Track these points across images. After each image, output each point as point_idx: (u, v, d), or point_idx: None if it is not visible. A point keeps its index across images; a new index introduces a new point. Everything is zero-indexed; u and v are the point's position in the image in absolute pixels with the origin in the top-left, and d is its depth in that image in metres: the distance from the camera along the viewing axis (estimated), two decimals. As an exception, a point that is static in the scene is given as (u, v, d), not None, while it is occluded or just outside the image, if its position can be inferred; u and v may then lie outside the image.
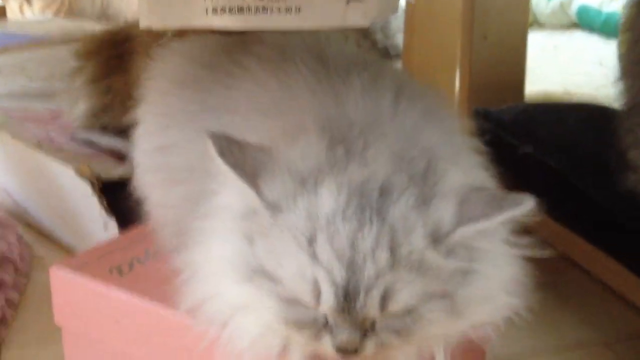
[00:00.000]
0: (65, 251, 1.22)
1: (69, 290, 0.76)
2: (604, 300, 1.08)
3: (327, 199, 0.54)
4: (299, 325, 0.56)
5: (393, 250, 0.53)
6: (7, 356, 0.97)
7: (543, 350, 0.97)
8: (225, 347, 0.61)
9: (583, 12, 2.43)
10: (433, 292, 0.55)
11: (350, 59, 0.73)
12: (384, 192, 0.55)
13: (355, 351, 0.55)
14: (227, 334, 0.60)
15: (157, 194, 0.75)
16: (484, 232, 0.56)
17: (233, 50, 0.77)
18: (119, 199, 1.03)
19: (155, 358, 0.71)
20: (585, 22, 2.44)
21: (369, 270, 0.52)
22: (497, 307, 0.59)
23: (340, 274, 0.53)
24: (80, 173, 1.01)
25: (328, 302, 0.53)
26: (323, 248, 0.53)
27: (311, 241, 0.54)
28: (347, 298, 0.53)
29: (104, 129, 1.29)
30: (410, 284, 0.53)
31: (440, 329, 0.57)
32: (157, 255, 0.80)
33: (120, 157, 1.15)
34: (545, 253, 0.59)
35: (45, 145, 1.14)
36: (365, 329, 0.55)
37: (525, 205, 0.55)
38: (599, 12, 2.39)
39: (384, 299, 0.53)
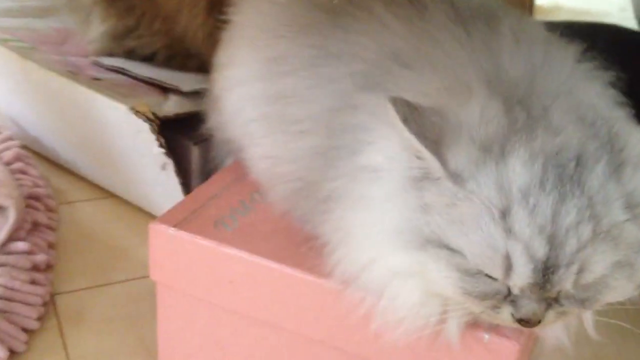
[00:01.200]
0: (87, 185, 1.16)
1: (172, 248, 0.71)
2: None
3: (521, 169, 0.51)
4: (479, 295, 0.54)
5: (595, 223, 0.51)
6: (61, 303, 0.92)
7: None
8: (382, 315, 0.58)
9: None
10: (621, 261, 0.53)
11: (481, 3, 0.68)
12: (580, 161, 0.52)
13: (538, 322, 0.54)
14: (385, 301, 0.58)
15: (266, 145, 0.70)
16: None
17: None
18: (173, 138, 0.98)
19: (287, 323, 0.68)
20: None
21: (571, 245, 0.50)
22: None
23: (541, 249, 0.50)
24: (136, 111, 0.93)
25: (523, 276, 0.51)
26: (521, 221, 0.50)
27: (505, 214, 0.51)
28: (546, 273, 0.51)
29: (129, 53, 1.19)
30: (606, 255, 0.52)
31: (618, 296, 0.56)
32: (255, 206, 0.75)
33: (162, 89, 1.08)
34: None
35: (81, 76, 1.05)
36: (550, 300, 0.53)
37: None
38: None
39: (580, 273, 0.51)
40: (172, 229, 0.71)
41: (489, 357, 0.59)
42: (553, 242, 0.50)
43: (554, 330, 0.60)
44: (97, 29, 1.20)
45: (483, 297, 0.53)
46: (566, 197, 0.51)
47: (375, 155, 0.57)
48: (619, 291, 0.55)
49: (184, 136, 1.00)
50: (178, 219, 0.72)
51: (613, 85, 0.64)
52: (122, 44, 1.19)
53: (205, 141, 0.97)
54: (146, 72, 1.11)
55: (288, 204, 0.69)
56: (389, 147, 0.56)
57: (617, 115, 0.59)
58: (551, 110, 0.55)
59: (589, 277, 0.52)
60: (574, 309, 0.54)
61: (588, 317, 0.60)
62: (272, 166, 0.70)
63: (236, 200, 0.77)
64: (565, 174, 0.51)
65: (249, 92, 0.72)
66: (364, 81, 0.63)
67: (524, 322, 0.53)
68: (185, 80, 1.08)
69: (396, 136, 0.55)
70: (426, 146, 0.52)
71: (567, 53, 0.63)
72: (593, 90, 0.61)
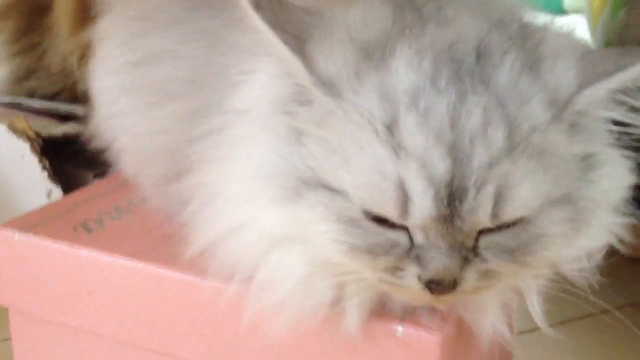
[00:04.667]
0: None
1: (21, 258, 0.57)
2: None
3: (406, 69, 0.39)
4: (371, 252, 0.40)
5: (509, 127, 0.38)
6: None
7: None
8: (256, 300, 0.44)
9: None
10: (556, 193, 0.40)
11: None
12: (482, 55, 0.40)
13: (454, 285, 0.39)
14: (260, 280, 0.44)
15: (138, 121, 0.57)
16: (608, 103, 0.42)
17: None
18: (63, 162, 0.85)
19: (148, 335, 0.53)
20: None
21: (480, 157, 0.37)
22: (608, 226, 0.45)
23: (442, 165, 0.37)
24: (15, 129, 0.80)
25: (424, 208, 0.38)
26: (412, 131, 0.38)
27: (392, 127, 0.38)
28: (451, 200, 0.37)
29: (31, 96, 1.09)
30: (532, 175, 0.38)
31: (559, 251, 0.42)
32: (134, 210, 0.62)
33: (60, 118, 0.96)
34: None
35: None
36: (467, 252, 0.39)
37: None
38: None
39: (499, 199, 0.38)
40: (19, 234, 0.57)
41: (404, 354, 0.45)
42: (456, 153, 0.37)
43: (487, 315, 0.45)
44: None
45: (377, 253, 0.40)
46: (467, 95, 0.38)
47: (246, 94, 0.45)
48: (560, 242, 0.41)
49: (82, 168, 0.87)
50: (29, 224, 0.58)
51: None
52: (24, 86, 1.10)
53: (106, 172, 0.84)
54: (47, 105, 0.99)
55: (159, 193, 0.56)
56: (261, 79, 0.44)
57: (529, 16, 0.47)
58: (447, 8, 0.43)
59: (513, 209, 0.38)
60: (501, 267, 0.40)
61: (532, 295, 0.46)
62: (139, 149, 0.57)
63: (111, 205, 0.63)
64: (463, 70, 0.39)
65: (114, 63, 0.60)
66: (239, 24, 0.51)
67: (434, 285, 0.39)
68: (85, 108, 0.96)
69: (270, 63, 0.42)
70: (283, 40, 0.39)
71: None
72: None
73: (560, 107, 0.40)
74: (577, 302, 0.46)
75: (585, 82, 0.40)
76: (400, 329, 0.45)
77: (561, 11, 1.91)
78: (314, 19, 0.41)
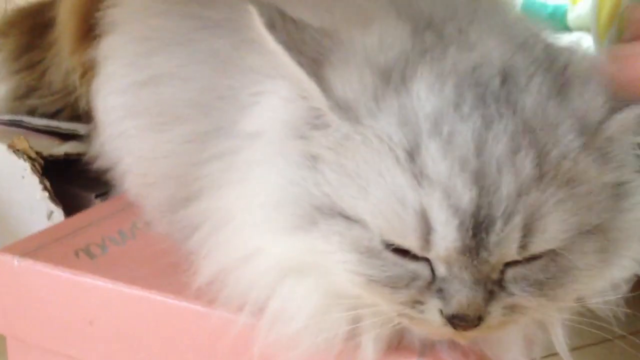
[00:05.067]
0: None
1: (20, 283, 0.55)
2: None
3: (427, 93, 0.37)
4: (390, 284, 0.37)
5: (538, 154, 0.36)
6: None
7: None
8: (268, 332, 0.42)
9: (528, 5, 2.36)
10: (586, 223, 0.38)
11: None
12: (508, 78, 0.38)
13: (479, 320, 0.37)
14: (271, 311, 0.42)
15: (143, 143, 0.55)
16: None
17: None
18: (64, 182, 0.83)
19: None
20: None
21: (508, 185, 0.35)
22: (637, 256, 0.43)
23: (467, 194, 0.35)
24: (15, 148, 0.78)
25: (447, 238, 0.35)
26: (434, 158, 0.36)
27: (413, 153, 0.36)
28: (477, 231, 0.35)
29: (32, 113, 1.07)
30: (562, 205, 0.36)
31: (588, 283, 0.40)
32: (138, 234, 0.60)
33: (62, 137, 0.94)
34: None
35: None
36: (492, 285, 0.37)
37: None
38: (544, 5, 2.32)
39: (528, 231, 0.36)
40: (18, 258, 0.55)
41: (422, 390, 0.42)
42: (482, 182, 0.35)
43: (510, 350, 0.43)
44: (-1, 90, 1.10)
45: (397, 285, 0.37)
46: (492, 120, 0.36)
47: (257, 117, 0.43)
48: (590, 276, 0.39)
49: (84, 188, 0.85)
50: (29, 248, 0.56)
51: None
52: (25, 104, 1.08)
53: (108, 193, 0.82)
54: (48, 123, 0.97)
55: (164, 219, 0.53)
56: (274, 101, 0.42)
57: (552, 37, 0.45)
58: (469, 30, 0.41)
59: (542, 240, 0.36)
60: (528, 301, 0.38)
61: (557, 328, 0.43)
62: (143, 172, 0.55)
63: (114, 229, 0.61)
64: (488, 93, 0.37)
65: (119, 83, 0.58)
66: (251, 45, 0.49)
67: (458, 320, 0.37)
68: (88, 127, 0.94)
69: (283, 86, 0.41)
70: (298, 62, 0.37)
71: None
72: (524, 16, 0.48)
73: (590, 134, 0.38)
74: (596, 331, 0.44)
75: (614, 107, 0.38)
76: (419, 362, 0.43)
77: (565, 28, 1.89)
78: (330, 41, 0.40)
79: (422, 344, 0.43)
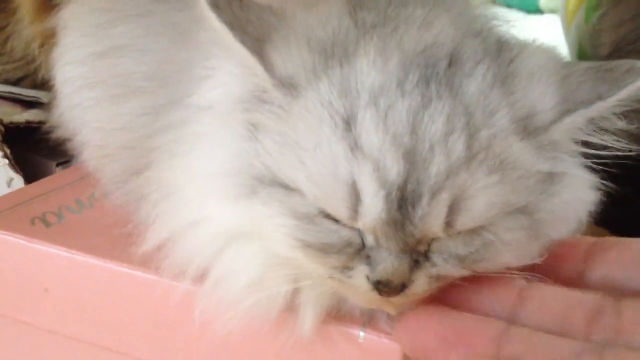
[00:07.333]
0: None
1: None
2: None
3: (370, 67, 0.39)
4: (323, 249, 0.39)
5: (471, 137, 0.38)
6: None
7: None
8: (207, 297, 0.43)
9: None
10: (514, 203, 0.40)
11: None
12: (454, 61, 0.40)
13: (402, 287, 0.39)
14: (213, 276, 0.43)
15: (100, 115, 0.56)
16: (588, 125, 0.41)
17: None
18: (25, 150, 0.83)
19: (104, 334, 0.52)
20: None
21: (438, 165, 0.37)
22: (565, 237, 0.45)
23: (395, 167, 0.37)
24: (-26, 114, 0.78)
25: (373, 210, 0.37)
26: (368, 129, 0.37)
27: (349, 122, 0.37)
28: (403, 204, 0.37)
29: (-9, 81, 1.06)
30: (490, 188, 0.38)
31: (512, 257, 0.42)
32: (95, 204, 0.60)
33: (24, 104, 0.93)
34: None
35: None
36: (417, 255, 0.39)
37: None
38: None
39: (454, 209, 0.38)
40: (-26, 226, 0.55)
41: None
42: (413, 158, 0.37)
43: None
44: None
45: (329, 251, 0.39)
46: (431, 100, 0.37)
47: (208, 90, 0.44)
48: (514, 251, 0.41)
49: (46, 156, 0.85)
50: (-16, 215, 0.57)
51: None
52: None
53: (70, 161, 0.82)
54: (9, 89, 0.96)
55: (119, 189, 0.54)
56: (225, 77, 0.43)
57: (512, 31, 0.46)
58: (428, 13, 0.42)
59: (467, 219, 0.38)
60: (450, 271, 0.40)
61: None
62: (100, 143, 0.56)
63: (72, 198, 0.61)
64: (432, 74, 0.39)
65: (77, 54, 0.58)
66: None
67: (382, 285, 0.39)
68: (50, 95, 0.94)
69: (232, 62, 0.42)
70: (241, 41, 0.38)
71: None
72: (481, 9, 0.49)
73: (536, 131, 0.39)
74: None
75: (565, 110, 0.40)
76: (362, 334, 0.44)
77: (537, 10, 1.91)
78: (275, 19, 0.40)
79: (362, 313, 0.44)
